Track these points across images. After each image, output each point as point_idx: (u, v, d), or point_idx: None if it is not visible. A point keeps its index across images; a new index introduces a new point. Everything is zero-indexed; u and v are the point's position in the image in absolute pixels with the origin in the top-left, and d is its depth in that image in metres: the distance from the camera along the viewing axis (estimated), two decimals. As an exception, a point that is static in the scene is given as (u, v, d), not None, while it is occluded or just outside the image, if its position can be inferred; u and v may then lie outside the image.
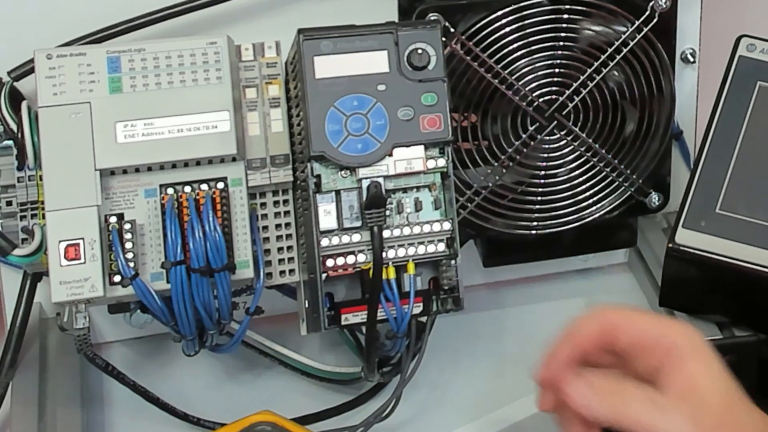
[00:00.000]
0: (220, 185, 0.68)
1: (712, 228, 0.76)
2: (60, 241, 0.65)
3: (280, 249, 0.71)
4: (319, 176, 0.66)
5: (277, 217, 0.71)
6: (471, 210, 0.80)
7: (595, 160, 0.82)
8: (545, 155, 0.81)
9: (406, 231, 0.68)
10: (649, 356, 0.61)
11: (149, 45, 0.68)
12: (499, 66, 0.78)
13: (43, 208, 0.67)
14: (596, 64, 0.80)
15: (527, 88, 0.79)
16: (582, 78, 0.80)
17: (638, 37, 0.80)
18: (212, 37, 0.69)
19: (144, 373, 0.80)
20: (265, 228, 0.71)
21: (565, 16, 0.79)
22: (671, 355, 0.60)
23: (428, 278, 0.70)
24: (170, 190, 0.68)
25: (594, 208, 0.83)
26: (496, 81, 0.78)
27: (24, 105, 0.69)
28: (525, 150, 0.80)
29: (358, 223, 0.67)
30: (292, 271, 0.71)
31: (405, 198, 0.68)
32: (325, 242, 0.66)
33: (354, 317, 0.68)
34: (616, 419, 0.59)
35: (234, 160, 0.69)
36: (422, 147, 0.67)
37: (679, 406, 0.59)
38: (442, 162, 0.68)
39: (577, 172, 0.82)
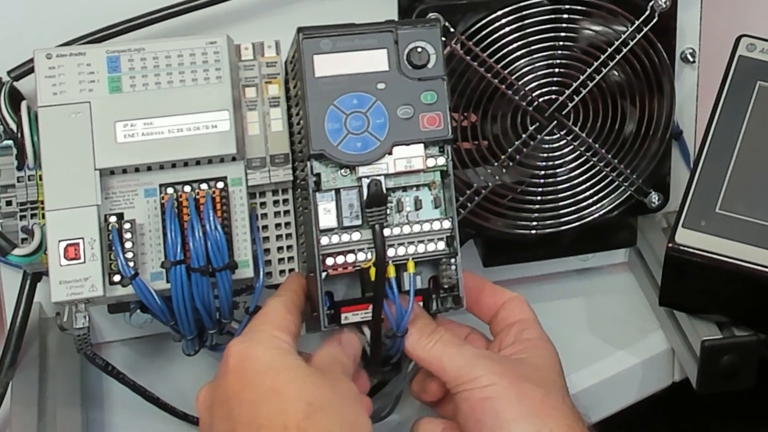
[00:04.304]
0: (220, 185, 0.68)
1: (712, 228, 0.76)
2: (60, 241, 0.65)
3: (279, 248, 0.72)
4: (318, 175, 0.66)
5: (276, 216, 0.72)
6: (471, 209, 0.80)
7: (595, 159, 0.82)
8: (545, 155, 0.81)
9: (406, 229, 0.67)
10: None
11: (149, 45, 0.68)
12: (499, 66, 0.78)
13: (42, 208, 0.68)
14: (596, 63, 0.80)
15: (527, 88, 0.79)
16: (582, 78, 0.80)
17: (638, 36, 0.80)
18: (212, 37, 0.69)
19: (144, 373, 0.80)
20: (265, 227, 0.71)
21: (565, 16, 0.79)
22: None
23: (428, 277, 0.70)
24: (170, 190, 0.68)
25: (594, 208, 0.83)
26: (496, 81, 0.78)
27: (24, 105, 0.69)
28: (525, 150, 0.80)
29: (358, 222, 0.67)
30: (292, 270, 0.72)
31: (405, 196, 0.68)
32: (324, 241, 0.66)
33: (354, 316, 0.68)
34: None
35: (234, 159, 0.69)
36: (422, 145, 0.67)
37: None
38: (441, 160, 0.68)
39: (577, 172, 0.82)
